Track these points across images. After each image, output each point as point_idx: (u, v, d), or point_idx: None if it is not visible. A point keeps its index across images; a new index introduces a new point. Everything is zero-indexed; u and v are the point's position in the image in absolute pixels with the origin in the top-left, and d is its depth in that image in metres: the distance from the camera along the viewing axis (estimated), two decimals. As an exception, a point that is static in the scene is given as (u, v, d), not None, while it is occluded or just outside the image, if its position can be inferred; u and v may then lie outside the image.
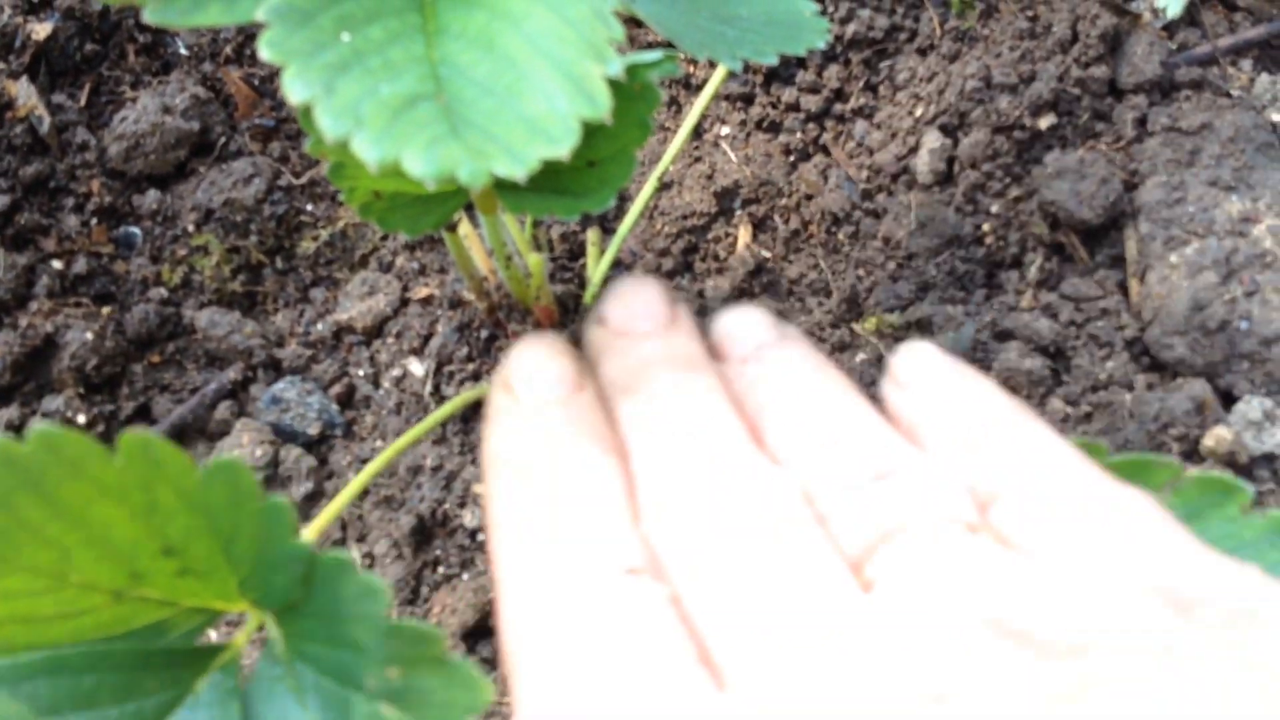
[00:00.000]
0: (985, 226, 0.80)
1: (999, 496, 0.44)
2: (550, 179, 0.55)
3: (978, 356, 0.77)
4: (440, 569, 0.73)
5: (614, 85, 0.43)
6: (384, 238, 0.85)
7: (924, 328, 0.79)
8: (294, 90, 0.40)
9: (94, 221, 0.83)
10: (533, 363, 0.51)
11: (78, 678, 0.46)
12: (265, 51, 0.41)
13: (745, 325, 0.53)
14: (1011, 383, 0.75)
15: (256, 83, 0.88)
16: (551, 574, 0.43)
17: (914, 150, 0.83)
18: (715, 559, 0.43)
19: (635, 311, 0.53)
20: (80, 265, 0.81)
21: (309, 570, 0.46)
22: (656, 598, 0.42)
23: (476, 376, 0.77)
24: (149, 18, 0.44)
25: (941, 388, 0.50)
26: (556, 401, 0.50)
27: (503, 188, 0.58)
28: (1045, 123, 0.78)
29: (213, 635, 0.51)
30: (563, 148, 0.41)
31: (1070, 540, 0.42)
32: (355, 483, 0.62)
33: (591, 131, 0.44)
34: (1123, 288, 0.77)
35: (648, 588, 0.42)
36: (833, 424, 0.48)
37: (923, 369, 0.51)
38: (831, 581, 0.42)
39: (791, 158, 0.87)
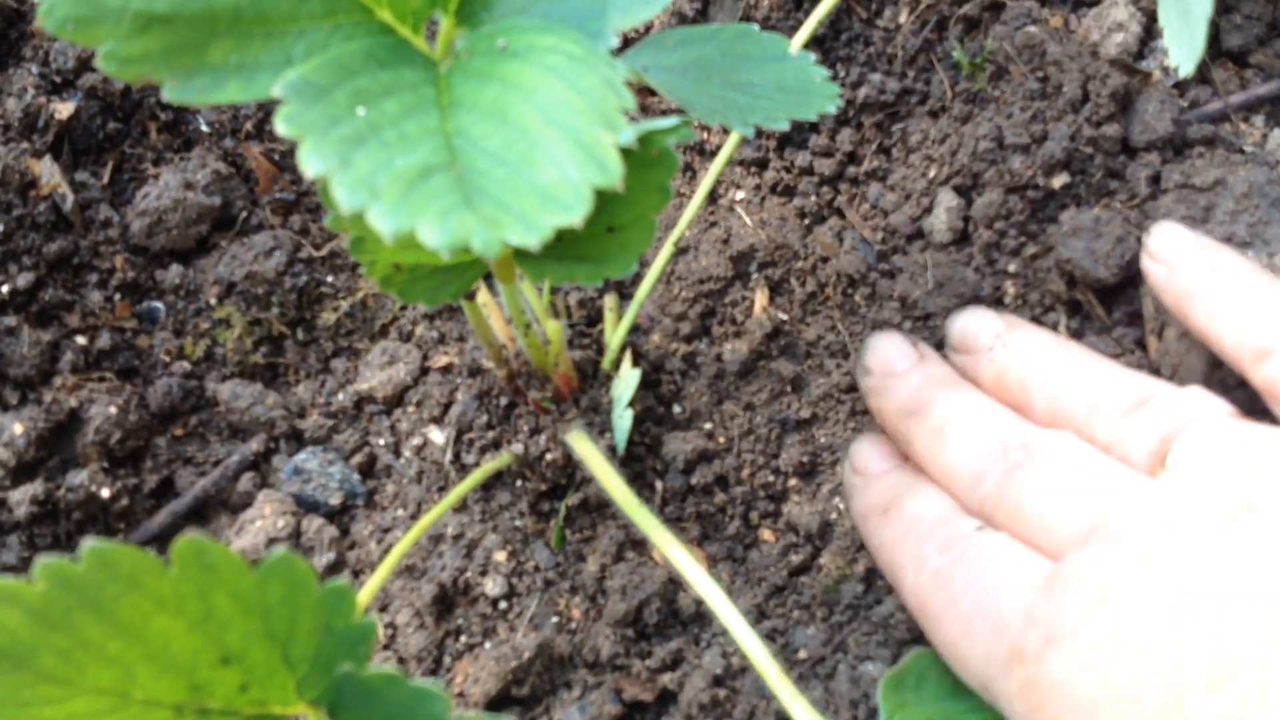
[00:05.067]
0: (1004, 285, 0.80)
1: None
2: (571, 246, 0.56)
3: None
4: (463, 638, 0.73)
5: (631, 152, 0.43)
6: (403, 307, 0.86)
7: (943, 388, 0.79)
8: (310, 163, 0.41)
9: (117, 297, 0.83)
10: (864, 452, 0.74)
11: None
12: (282, 126, 0.41)
13: (977, 321, 0.74)
14: (1032, 441, 0.75)
15: (277, 157, 0.90)
16: (931, 554, 0.65)
17: (928, 211, 0.83)
18: (1029, 499, 0.63)
19: (891, 356, 0.74)
20: (104, 340, 0.82)
21: (362, 687, 0.47)
22: (998, 538, 0.64)
23: (497, 444, 0.77)
24: (168, 96, 0.45)
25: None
26: (886, 472, 0.72)
27: (523, 256, 0.58)
28: (1059, 182, 0.79)
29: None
30: (575, 215, 0.41)
31: None
32: (390, 558, 0.63)
33: (611, 198, 0.44)
34: (1141, 345, 0.77)
35: (990, 534, 0.64)
36: (1082, 377, 0.68)
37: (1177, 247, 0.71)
38: (1126, 480, 0.61)
39: (806, 221, 0.87)
